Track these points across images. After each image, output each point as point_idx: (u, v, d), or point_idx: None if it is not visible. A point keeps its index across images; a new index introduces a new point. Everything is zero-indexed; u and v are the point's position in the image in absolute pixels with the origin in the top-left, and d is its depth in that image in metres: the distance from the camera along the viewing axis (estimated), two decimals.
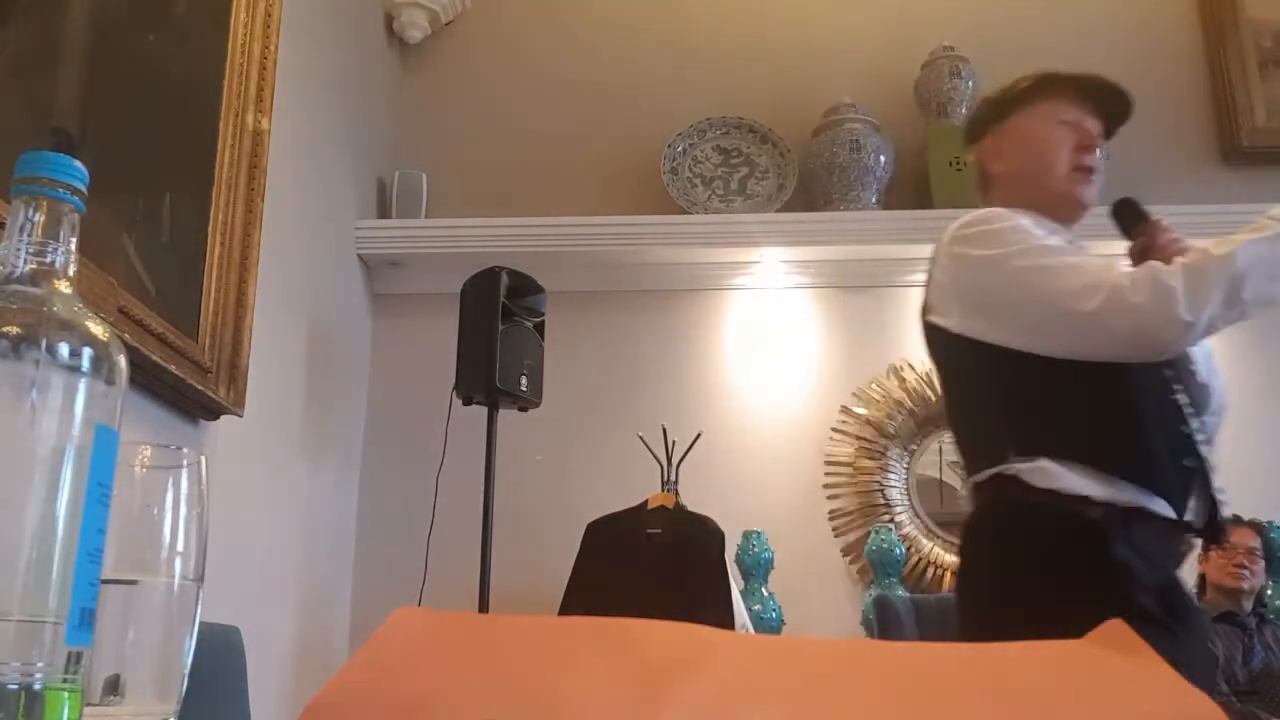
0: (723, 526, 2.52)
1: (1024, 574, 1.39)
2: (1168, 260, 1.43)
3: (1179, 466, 1.44)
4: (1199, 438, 1.47)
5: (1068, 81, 1.64)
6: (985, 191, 1.70)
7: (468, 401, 2.58)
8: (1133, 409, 1.45)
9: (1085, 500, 1.39)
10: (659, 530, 2.51)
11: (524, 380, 2.55)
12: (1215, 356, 1.62)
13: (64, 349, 0.51)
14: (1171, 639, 1.33)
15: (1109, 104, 1.65)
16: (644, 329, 3.08)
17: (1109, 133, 1.66)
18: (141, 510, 0.60)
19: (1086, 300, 1.39)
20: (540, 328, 2.66)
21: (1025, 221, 1.52)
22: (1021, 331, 1.46)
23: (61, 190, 0.54)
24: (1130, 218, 1.62)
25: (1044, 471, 1.41)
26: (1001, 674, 0.50)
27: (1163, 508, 1.41)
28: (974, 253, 1.51)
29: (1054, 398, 1.46)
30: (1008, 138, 1.66)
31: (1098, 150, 1.62)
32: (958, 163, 3.01)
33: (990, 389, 1.52)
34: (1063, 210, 1.61)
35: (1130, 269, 1.44)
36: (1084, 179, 1.61)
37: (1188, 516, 1.44)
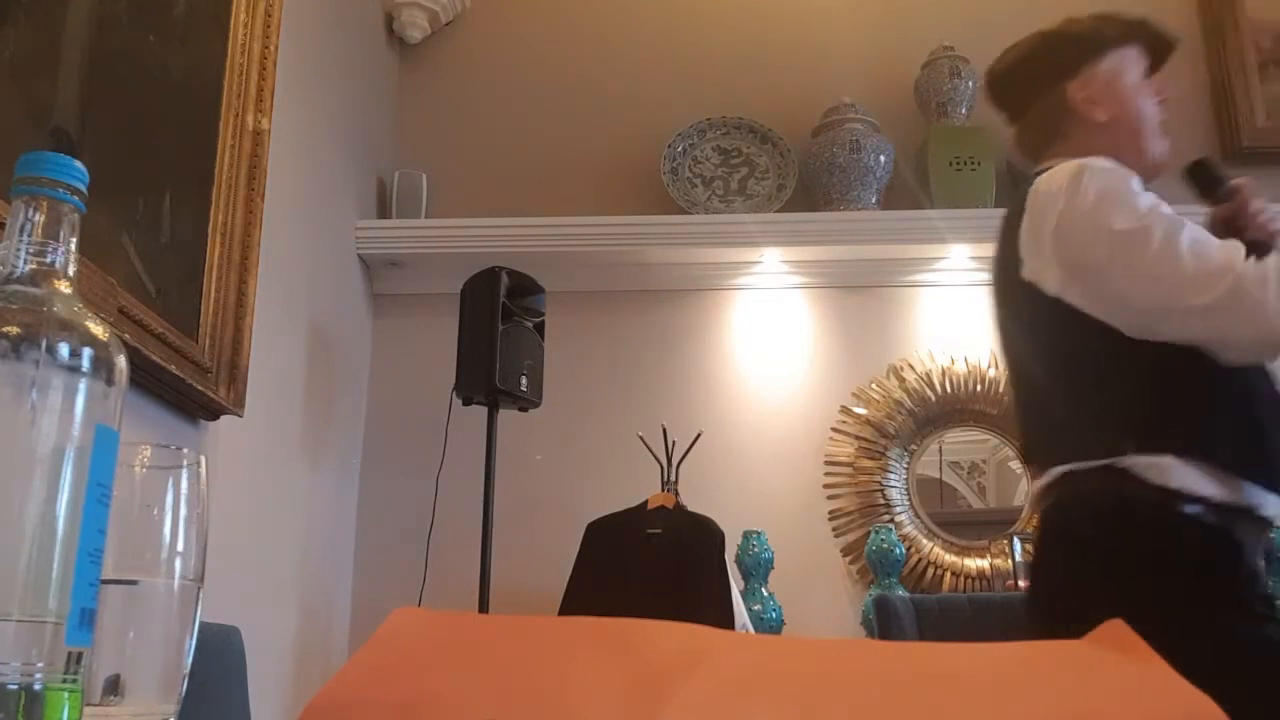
0: (723, 526, 2.52)
1: (1152, 576, 1.29)
2: (1261, 233, 1.36)
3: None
4: None
5: (1153, 31, 1.56)
6: (1070, 134, 1.55)
7: (468, 402, 2.58)
8: (1253, 406, 1.36)
9: (1205, 501, 1.29)
10: (659, 530, 2.51)
11: (524, 380, 2.55)
12: None
13: (64, 349, 0.51)
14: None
15: (1163, 50, 1.59)
16: (644, 329, 3.08)
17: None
18: (141, 510, 0.60)
19: (1205, 292, 1.28)
20: (540, 328, 2.66)
21: (1136, 183, 1.40)
22: (1126, 312, 1.34)
23: (61, 190, 0.54)
24: (1208, 181, 1.52)
25: (1166, 469, 1.30)
26: (1002, 674, 0.50)
27: (1274, 507, 1.32)
28: (1090, 213, 1.36)
29: (1180, 390, 1.35)
30: (1102, 83, 1.54)
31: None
32: (958, 163, 3.01)
33: (1107, 372, 1.38)
34: (1148, 170, 1.52)
35: (1253, 258, 1.30)
36: (1162, 138, 1.55)
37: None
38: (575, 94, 3.31)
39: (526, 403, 2.60)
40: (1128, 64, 1.56)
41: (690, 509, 2.56)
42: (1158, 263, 1.31)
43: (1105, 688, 0.48)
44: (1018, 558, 2.64)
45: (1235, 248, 1.33)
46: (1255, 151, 3.15)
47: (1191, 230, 1.35)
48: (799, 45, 3.32)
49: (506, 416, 2.62)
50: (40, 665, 0.48)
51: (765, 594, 2.66)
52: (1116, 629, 0.52)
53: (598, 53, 3.36)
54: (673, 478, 2.65)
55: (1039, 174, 1.49)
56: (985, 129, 3.11)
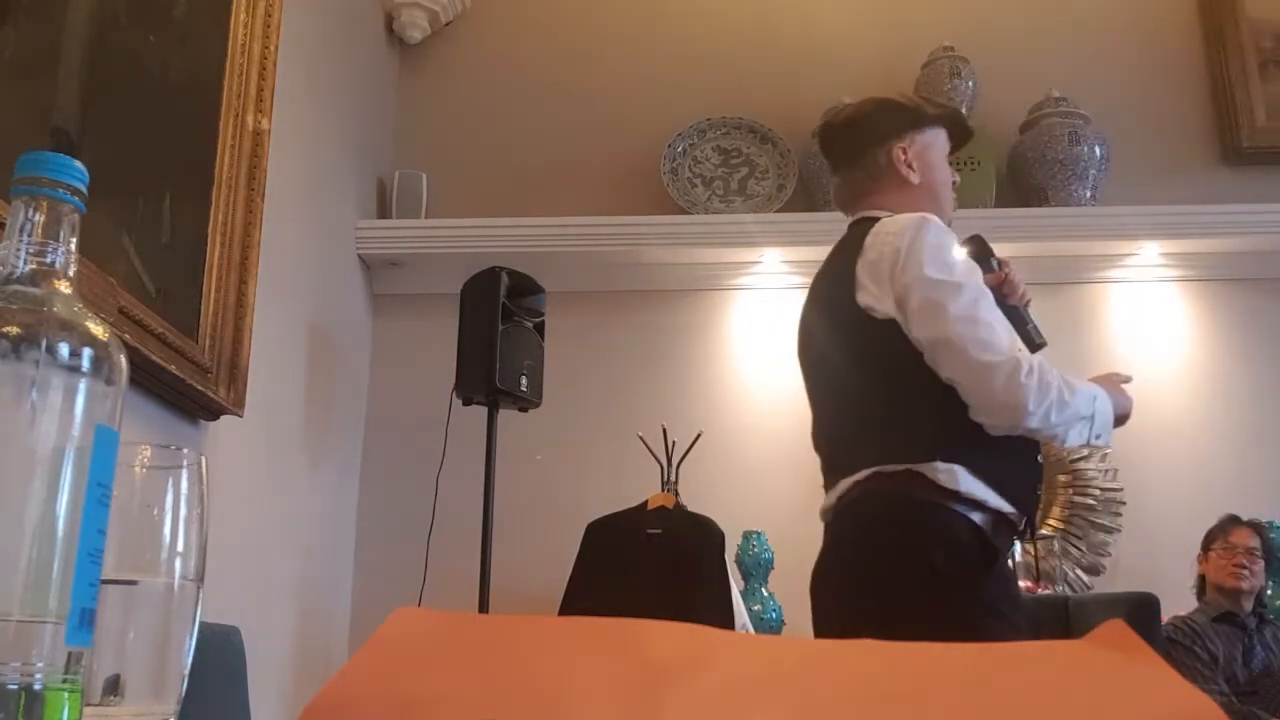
0: (723, 526, 2.52)
1: (927, 571, 1.53)
2: (1018, 300, 1.73)
3: (1035, 493, 1.69)
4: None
5: (963, 128, 1.87)
6: (885, 189, 1.79)
7: (468, 401, 2.58)
8: (1018, 440, 1.60)
9: (983, 506, 1.56)
10: (659, 530, 2.51)
11: (524, 380, 2.55)
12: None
13: (64, 349, 0.51)
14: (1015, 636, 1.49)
15: (959, 144, 1.87)
16: (644, 329, 3.08)
17: None
18: (141, 510, 0.60)
19: (986, 353, 1.54)
20: (540, 328, 2.66)
21: (959, 245, 1.68)
22: (923, 340, 1.59)
23: (61, 190, 0.54)
24: (981, 254, 1.78)
25: (957, 475, 1.55)
26: (1002, 674, 0.50)
27: (1019, 522, 1.63)
28: (924, 257, 1.60)
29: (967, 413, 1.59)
30: (919, 149, 1.80)
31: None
32: (958, 163, 3.01)
33: (920, 390, 1.61)
34: None
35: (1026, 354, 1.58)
36: (952, 206, 1.83)
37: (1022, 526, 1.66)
38: (575, 94, 3.31)
39: (526, 403, 2.60)
40: (937, 141, 1.83)
41: (690, 509, 2.56)
42: (959, 316, 1.56)
43: (1105, 688, 0.48)
44: (1018, 558, 2.64)
45: (1014, 337, 1.60)
46: (1255, 151, 3.15)
47: (990, 303, 1.61)
48: (799, 45, 3.32)
49: (506, 416, 2.62)
50: (40, 665, 0.48)
51: (765, 594, 2.66)
52: (1116, 629, 0.52)
53: (598, 53, 3.36)
54: (673, 478, 2.65)
55: (869, 219, 1.75)
56: (985, 129, 3.11)
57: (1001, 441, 1.58)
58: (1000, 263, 1.79)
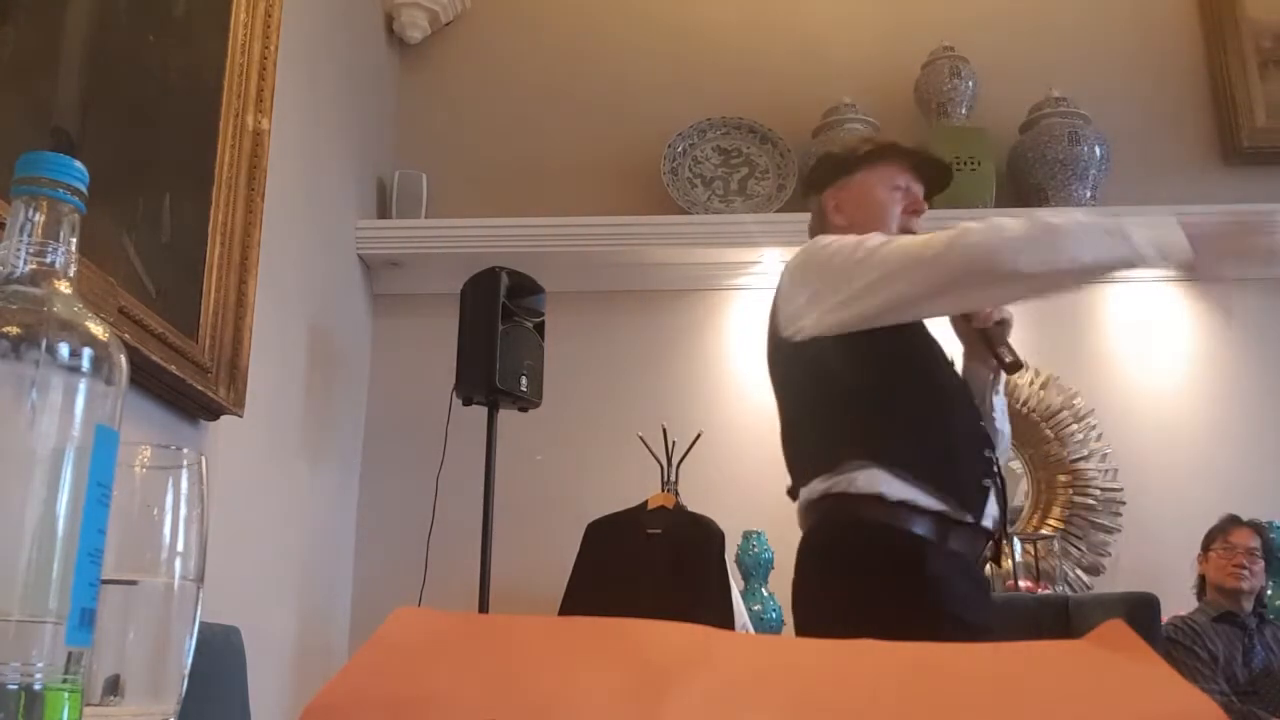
0: (723, 526, 2.52)
1: (863, 595, 1.53)
2: (987, 322, 1.72)
3: (980, 485, 1.62)
4: (996, 465, 1.68)
5: (905, 152, 1.84)
6: (821, 229, 1.87)
7: (468, 402, 2.58)
8: (949, 432, 1.63)
9: (912, 507, 1.53)
10: (659, 530, 2.51)
11: (524, 380, 2.55)
12: (1008, 409, 1.85)
13: (64, 349, 0.51)
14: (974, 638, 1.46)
15: (933, 173, 1.84)
16: (644, 329, 3.08)
17: (929, 199, 1.87)
18: (141, 510, 0.60)
19: (930, 248, 1.54)
20: (540, 328, 2.66)
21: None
22: (871, 291, 1.57)
23: (61, 190, 0.54)
24: None
25: (877, 478, 1.54)
26: (1002, 674, 0.50)
27: (967, 518, 1.57)
28: (823, 253, 1.67)
29: (887, 412, 1.61)
30: (849, 193, 1.83)
31: (921, 215, 1.81)
32: (958, 163, 3.01)
33: (833, 398, 1.65)
34: None
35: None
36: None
37: (985, 523, 1.59)
38: (575, 94, 3.31)
39: (526, 403, 2.60)
40: (870, 179, 1.82)
41: (690, 509, 2.56)
42: (886, 249, 1.58)
43: (1105, 688, 0.48)
44: (1018, 558, 2.64)
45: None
46: (1255, 151, 3.15)
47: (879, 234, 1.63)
48: (799, 46, 3.32)
49: (506, 416, 2.62)
50: (40, 665, 0.48)
51: (765, 594, 2.65)
52: (1116, 629, 0.52)
53: (598, 53, 3.36)
54: (673, 478, 2.65)
55: None
56: (985, 129, 3.12)
57: (930, 438, 1.59)
58: None
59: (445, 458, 2.71)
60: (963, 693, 0.48)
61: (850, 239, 1.65)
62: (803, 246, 1.75)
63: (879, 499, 1.53)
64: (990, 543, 1.66)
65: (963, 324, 1.80)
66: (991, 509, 1.61)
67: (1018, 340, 1.78)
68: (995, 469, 1.68)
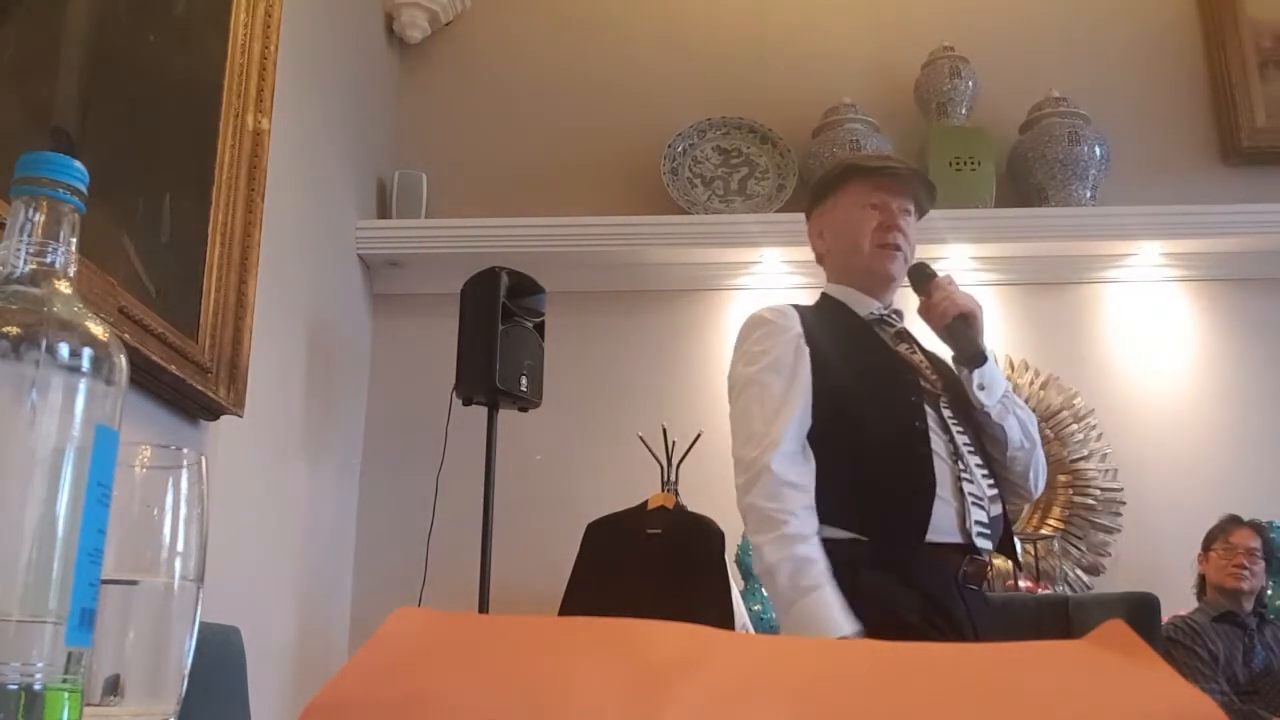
0: (723, 526, 2.52)
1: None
2: (937, 316, 1.77)
3: (913, 515, 1.64)
4: (964, 476, 1.68)
5: (867, 170, 1.86)
6: (820, 265, 1.95)
7: (468, 402, 2.58)
8: (873, 474, 1.68)
9: (833, 540, 1.64)
10: (659, 530, 2.51)
11: (524, 380, 2.55)
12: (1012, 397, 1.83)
13: (64, 349, 0.51)
14: (935, 637, 1.49)
15: (909, 183, 1.85)
16: (644, 329, 3.08)
17: (921, 209, 1.88)
18: (141, 510, 0.60)
19: (749, 450, 1.72)
20: (540, 328, 2.66)
21: (778, 336, 1.79)
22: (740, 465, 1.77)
23: (61, 190, 0.54)
24: (919, 280, 1.84)
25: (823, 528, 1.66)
26: (1001, 674, 0.50)
27: (902, 545, 1.64)
28: (734, 386, 1.83)
29: (837, 475, 1.69)
30: (827, 219, 1.90)
31: (900, 228, 1.81)
32: (958, 163, 3.01)
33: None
34: (871, 283, 1.84)
35: (787, 453, 1.70)
36: (887, 255, 1.82)
37: (945, 537, 1.64)
38: (575, 94, 3.31)
39: (526, 403, 2.60)
40: (841, 199, 1.87)
41: (690, 509, 2.56)
42: (743, 412, 1.76)
43: (1105, 688, 0.48)
44: (1018, 558, 2.64)
45: (781, 424, 1.71)
46: (1255, 151, 3.15)
47: (774, 398, 1.73)
48: (799, 46, 3.32)
49: (506, 416, 2.62)
50: (40, 665, 0.48)
51: (765, 594, 2.65)
52: (1116, 629, 0.52)
53: (598, 53, 3.36)
54: (673, 478, 2.65)
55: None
56: (985, 129, 3.12)
57: (840, 484, 1.66)
58: (930, 289, 1.82)
59: (445, 458, 2.71)
60: (962, 693, 0.48)
61: (740, 388, 1.79)
62: (748, 320, 1.87)
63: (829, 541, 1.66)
64: (968, 549, 1.67)
65: (923, 313, 1.84)
66: (945, 519, 1.64)
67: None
68: (965, 479, 1.67)
